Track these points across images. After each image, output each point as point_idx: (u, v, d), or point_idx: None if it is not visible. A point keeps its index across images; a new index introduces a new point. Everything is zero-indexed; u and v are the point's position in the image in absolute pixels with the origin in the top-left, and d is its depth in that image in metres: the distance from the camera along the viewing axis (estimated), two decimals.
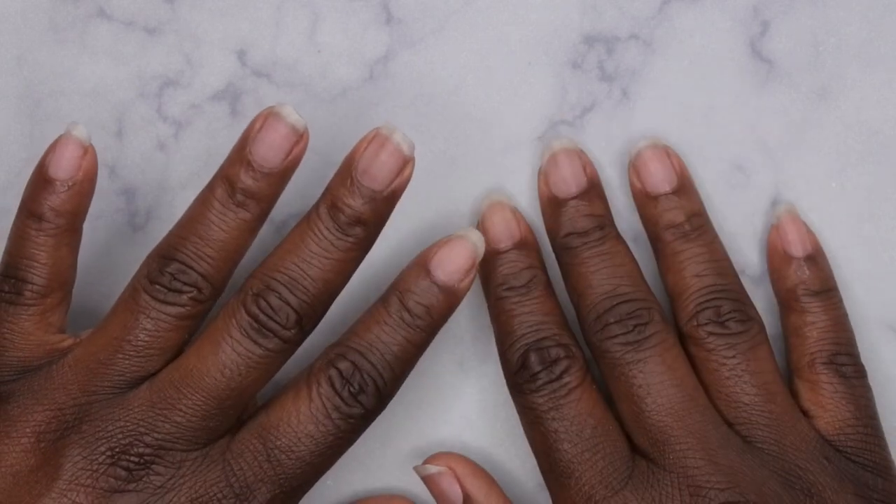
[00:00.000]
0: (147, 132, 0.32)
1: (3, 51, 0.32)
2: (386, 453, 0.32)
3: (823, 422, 0.29)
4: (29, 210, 0.28)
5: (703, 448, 0.27)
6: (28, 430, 0.26)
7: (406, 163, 0.28)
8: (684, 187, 0.31)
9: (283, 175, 0.28)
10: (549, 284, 0.30)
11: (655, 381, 0.28)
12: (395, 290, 0.28)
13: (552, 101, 0.32)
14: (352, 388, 0.27)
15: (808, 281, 0.30)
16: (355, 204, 0.27)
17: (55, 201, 0.28)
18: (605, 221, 0.30)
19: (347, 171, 0.28)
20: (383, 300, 0.28)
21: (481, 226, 0.31)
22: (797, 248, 0.31)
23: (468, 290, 0.28)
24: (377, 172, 0.27)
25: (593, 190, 0.31)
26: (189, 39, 0.32)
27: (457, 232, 0.28)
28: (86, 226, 0.29)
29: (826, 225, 0.32)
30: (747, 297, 0.30)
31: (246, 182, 0.27)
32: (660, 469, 0.27)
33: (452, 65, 0.32)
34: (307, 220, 0.28)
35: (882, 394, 0.30)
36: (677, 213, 0.30)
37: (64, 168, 0.28)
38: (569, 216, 0.30)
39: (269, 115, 0.28)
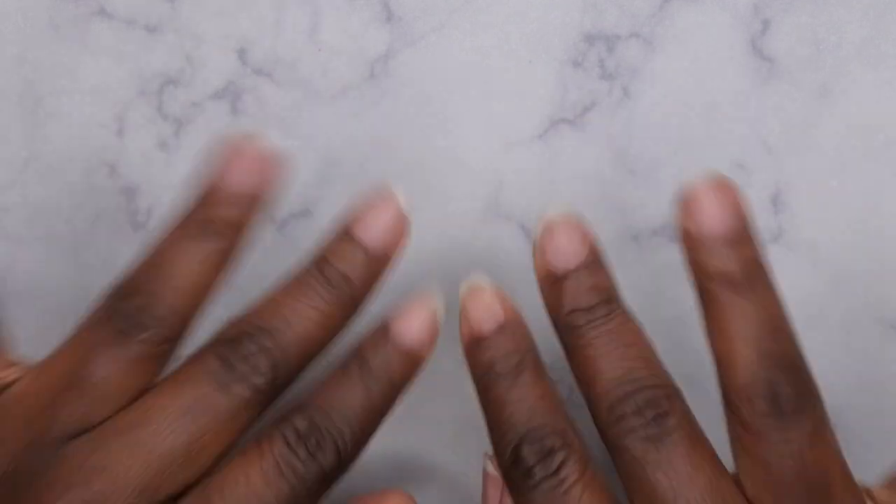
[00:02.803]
0: (148, 131, 0.32)
1: (4, 49, 0.32)
2: (386, 455, 0.32)
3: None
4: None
5: None
6: None
7: (404, 225, 0.26)
8: (740, 233, 0.26)
9: (256, 202, 0.26)
10: (540, 365, 0.27)
11: (684, 483, 0.25)
12: (355, 354, 0.26)
13: (553, 100, 0.32)
14: (308, 446, 0.24)
15: None
16: (345, 258, 0.26)
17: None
18: (611, 294, 0.26)
19: (341, 225, 0.26)
20: (343, 364, 0.26)
21: (462, 314, 0.28)
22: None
23: (431, 352, 0.26)
24: (371, 227, 0.26)
25: (595, 260, 0.27)
26: (189, 38, 0.32)
27: (418, 294, 0.26)
28: (86, 225, 0.29)
29: (826, 224, 0.32)
30: (806, 364, 0.25)
31: (218, 211, 0.25)
32: None
33: (453, 63, 0.32)
34: (294, 272, 0.26)
35: (883, 394, 0.30)
36: (729, 260, 0.25)
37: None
38: (570, 291, 0.26)
39: (237, 150, 0.25)
